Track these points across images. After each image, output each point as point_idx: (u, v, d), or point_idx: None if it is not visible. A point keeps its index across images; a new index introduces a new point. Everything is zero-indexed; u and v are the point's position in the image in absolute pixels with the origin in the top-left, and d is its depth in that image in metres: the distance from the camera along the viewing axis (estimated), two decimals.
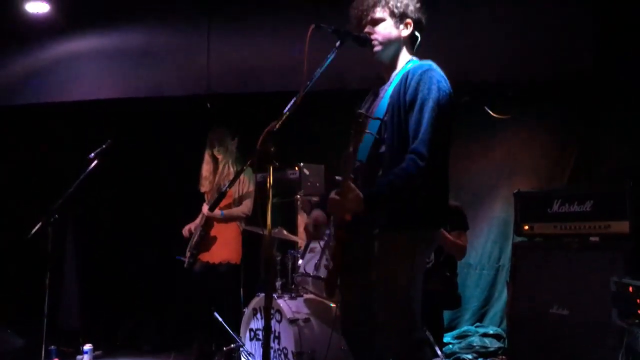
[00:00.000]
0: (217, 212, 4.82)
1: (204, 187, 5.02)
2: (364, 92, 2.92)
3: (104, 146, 4.20)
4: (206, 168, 5.00)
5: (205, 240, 4.85)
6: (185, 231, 5.03)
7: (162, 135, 5.79)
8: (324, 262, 3.72)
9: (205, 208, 4.81)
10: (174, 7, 5.17)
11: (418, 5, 2.58)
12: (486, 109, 5.19)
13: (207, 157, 5.00)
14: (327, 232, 3.88)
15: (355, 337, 2.64)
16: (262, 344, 3.90)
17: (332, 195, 2.35)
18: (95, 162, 4.17)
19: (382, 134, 2.46)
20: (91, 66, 5.38)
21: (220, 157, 4.95)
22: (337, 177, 2.33)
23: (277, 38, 5.10)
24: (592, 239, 3.56)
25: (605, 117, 4.68)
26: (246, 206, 4.92)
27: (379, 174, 2.42)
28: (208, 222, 4.88)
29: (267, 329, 2.15)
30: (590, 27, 4.50)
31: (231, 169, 4.93)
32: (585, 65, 4.57)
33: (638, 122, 4.28)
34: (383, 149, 2.45)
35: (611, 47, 4.43)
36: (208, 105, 5.40)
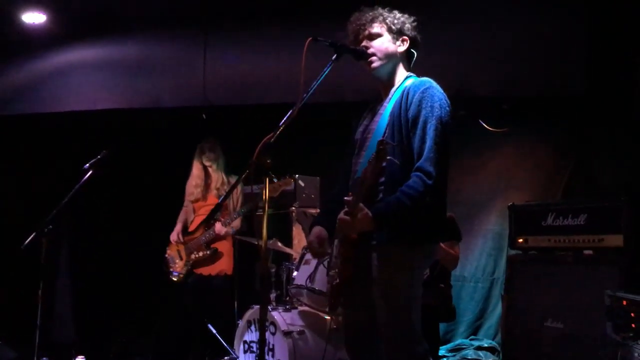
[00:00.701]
0: (230, 229, 4.81)
1: (194, 195, 5.01)
2: (360, 105, 2.93)
3: (99, 157, 4.18)
4: (197, 175, 5.00)
5: (213, 257, 4.83)
6: (173, 239, 4.99)
7: (157, 146, 5.79)
8: (318, 275, 3.72)
9: (220, 227, 4.74)
10: (171, 19, 5.18)
11: (414, 24, 2.62)
12: (481, 122, 5.22)
13: (196, 165, 5.01)
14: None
15: (359, 352, 2.63)
16: (255, 356, 3.88)
17: (342, 215, 2.36)
18: (90, 172, 4.16)
19: None
20: (87, 77, 5.38)
21: (211, 165, 4.96)
22: (345, 198, 2.34)
23: (273, 51, 5.12)
24: (586, 252, 3.58)
25: (599, 134, 4.71)
26: (239, 218, 4.93)
27: (378, 189, 2.43)
28: (215, 239, 4.84)
29: (262, 341, 2.14)
30: (583, 47, 4.55)
31: (224, 178, 4.95)
32: (578, 83, 4.62)
33: (630, 140, 4.32)
34: (384, 164, 2.46)
35: (604, 66, 4.48)
36: (204, 116, 5.41)
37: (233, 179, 5.00)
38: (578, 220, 3.63)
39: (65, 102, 5.39)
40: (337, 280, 2.48)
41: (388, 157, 2.29)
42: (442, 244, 3.89)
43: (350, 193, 2.35)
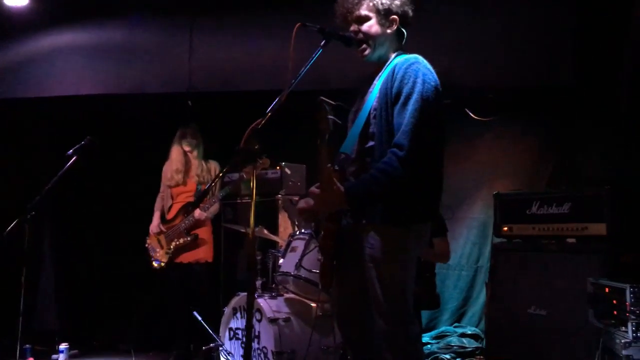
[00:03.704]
0: (209, 214, 4.79)
1: (174, 180, 4.97)
2: (346, 92, 2.92)
3: (82, 143, 4.13)
4: (178, 160, 4.95)
5: (193, 244, 4.81)
6: (153, 230, 4.97)
7: (142, 132, 5.73)
8: (305, 263, 3.72)
9: (200, 213, 4.73)
10: (157, 4, 5.12)
11: None
12: (467, 111, 5.23)
13: (177, 150, 4.97)
14: (307, 231, 3.91)
15: (351, 331, 2.65)
16: (241, 343, 3.88)
17: (313, 189, 2.36)
18: (74, 158, 4.11)
19: (371, 129, 2.47)
20: (71, 62, 5.30)
21: (192, 151, 4.94)
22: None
23: (260, 37, 5.09)
24: (569, 240, 3.61)
25: (585, 125, 4.75)
26: (217, 202, 4.91)
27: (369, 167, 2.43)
28: (196, 225, 4.83)
29: (248, 328, 2.14)
30: (572, 38, 4.58)
31: (204, 165, 4.93)
32: (565, 76, 4.65)
33: (615, 132, 4.36)
34: (372, 143, 2.46)
35: (592, 58, 4.51)
36: (189, 103, 5.36)
37: (212, 165, 4.98)
38: (562, 209, 3.66)
39: (48, 87, 5.31)
40: (321, 257, 2.48)
41: (330, 117, 2.26)
42: (440, 243, 3.94)
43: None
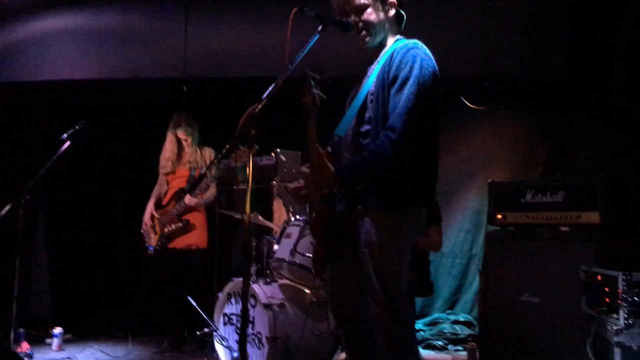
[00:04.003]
0: (200, 200, 4.79)
1: (166, 168, 4.98)
2: (340, 79, 2.92)
3: (77, 127, 4.11)
4: (169, 148, 4.96)
5: (184, 230, 4.82)
6: (147, 221, 4.97)
7: (136, 118, 5.71)
8: (300, 249, 3.73)
9: (190, 198, 4.74)
10: None
11: None
12: (462, 99, 5.24)
13: (170, 138, 4.97)
14: (303, 217, 3.91)
15: (344, 315, 2.66)
16: (235, 328, 3.90)
17: (303, 168, 2.36)
18: (68, 143, 4.09)
19: (367, 112, 2.47)
20: (66, 46, 5.25)
21: (186, 137, 4.93)
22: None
23: (256, 23, 5.06)
24: (563, 228, 3.63)
25: (579, 114, 4.76)
26: (213, 187, 4.92)
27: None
28: (187, 211, 4.84)
29: (244, 313, 2.15)
30: (565, 29, 4.58)
31: (198, 151, 4.92)
32: (559, 65, 4.66)
33: (610, 121, 4.37)
34: (368, 127, 2.46)
35: (584, 50, 4.52)
36: (184, 88, 5.34)
37: (207, 151, 4.98)
38: (556, 198, 3.67)
39: (43, 71, 5.26)
40: (313, 240, 2.50)
41: (315, 91, 2.25)
42: (433, 232, 3.95)
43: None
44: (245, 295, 2.16)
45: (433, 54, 2.52)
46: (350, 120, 2.51)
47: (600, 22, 4.37)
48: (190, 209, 4.82)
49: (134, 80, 5.25)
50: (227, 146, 2.17)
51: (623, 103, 4.18)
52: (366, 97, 2.50)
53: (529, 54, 4.75)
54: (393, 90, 2.39)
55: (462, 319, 5.22)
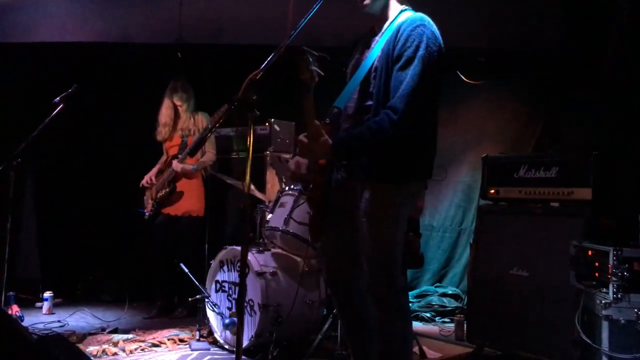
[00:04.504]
0: (188, 166, 4.78)
1: (162, 134, 4.96)
2: (338, 49, 2.88)
3: (69, 91, 4.05)
4: (166, 114, 4.93)
5: (172, 195, 4.83)
6: (145, 181, 4.97)
7: (127, 83, 5.64)
8: (293, 218, 3.74)
9: (176, 164, 4.74)
10: None
11: None
12: (458, 73, 5.22)
13: (167, 104, 4.94)
14: (297, 187, 3.92)
15: (339, 283, 2.69)
16: (227, 295, 3.92)
17: (301, 137, 2.34)
18: (60, 106, 4.04)
19: (370, 87, 2.46)
20: (56, 7, 5.15)
21: (182, 105, 4.90)
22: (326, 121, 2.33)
23: None
24: (553, 204, 3.66)
25: (572, 90, 4.77)
26: (211, 153, 4.91)
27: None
28: (176, 177, 4.84)
29: (242, 278, 2.16)
30: (559, 5, 4.55)
31: (192, 118, 4.90)
32: (553, 40, 4.65)
33: (603, 97, 4.39)
34: (370, 102, 2.45)
35: (579, 25, 4.50)
36: (179, 54, 5.27)
37: (200, 117, 4.94)
38: (549, 173, 3.70)
39: (34, 32, 5.17)
40: (310, 211, 2.51)
41: (312, 68, 2.25)
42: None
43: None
44: (243, 260, 2.17)
45: (431, 21, 2.49)
46: (352, 93, 2.50)
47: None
48: (179, 175, 4.82)
49: (127, 45, 5.16)
50: (227, 111, 2.14)
51: (615, 79, 4.20)
52: (369, 72, 2.47)
53: (524, 27, 4.73)
54: (396, 68, 2.36)
55: (450, 292, 5.29)
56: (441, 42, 2.44)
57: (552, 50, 4.71)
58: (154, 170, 5.03)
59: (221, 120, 2.21)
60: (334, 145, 2.30)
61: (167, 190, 4.83)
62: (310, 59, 2.24)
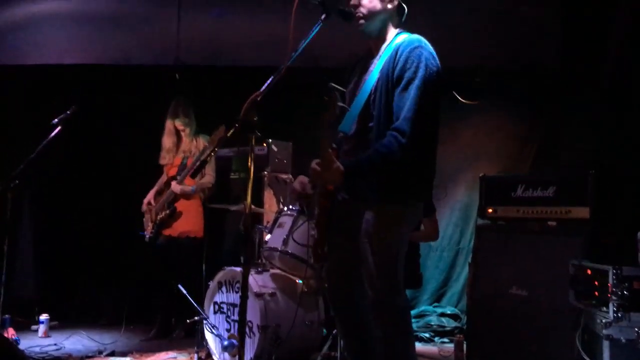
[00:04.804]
0: (187, 187, 4.77)
1: (165, 159, 4.96)
2: (336, 71, 2.92)
3: (67, 112, 4.07)
4: (169, 139, 4.93)
5: (172, 217, 4.82)
6: (144, 204, 4.96)
7: (126, 104, 5.66)
8: (292, 239, 3.74)
9: (175, 185, 4.74)
10: None
11: None
12: (454, 94, 5.26)
13: (169, 128, 4.94)
14: (295, 207, 3.92)
15: (341, 303, 2.69)
16: (225, 317, 3.90)
17: (313, 165, 2.39)
18: (59, 128, 4.05)
19: (371, 109, 2.48)
20: (56, 30, 5.19)
21: (184, 128, 4.90)
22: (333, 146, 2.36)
23: (249, 10, 5.03)
24: (550, 223, 3.67)
25: (569, 108, 4.81)
26: (211, 175, 4.91)
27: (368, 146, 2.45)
28: (176, 198, 4.83)
29: (243, 300, 2.15)
30: (558, 23, 4.61)
31: (194, 141, 4.90)
32: (551, 58, 4.69)
33: (599, 115, 4.43)
34: (371, 124, 2.47)
35: (577, 43, 4.55)
36: (177, 76, 5.30)
37: (202, 139, 4.95)
38: (547, 192, 3.71)
39: (33, 54, 5.21)
40: (315, 231, 2.53)
41: (339, 104, 2.28)
42: (429, 222, 4.00)
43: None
44: (245, 282, 2.17)
45: (427, 42, 2.53)
46: (355, 117, 2.52)
47: (593, 16, 4.41)
48: (178, 197, 4.81)
49: (125, 66, 5.19)
50: (229, 133, 2.15)
51: (615, 91, 4.23)
52: (370, 95, 2.50)
53: (521, 45, 4.78)
54: (398, 90, 2.41)
55: (448, 312, 5.27)
56: (438, 62, 2.48)
57: (549, 67, 4.75)
58: (152, 192, 5.02)
59: (221, 142, 2.22)
60: (345, 170, 2.33)
61: (167, 212, 4.81)
62: (338, 96, 2.28)
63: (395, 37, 2.56)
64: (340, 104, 2.29)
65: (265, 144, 4.96)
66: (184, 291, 4.02)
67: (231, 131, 2.11)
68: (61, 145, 4.22)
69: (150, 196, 4.99)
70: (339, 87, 2.31)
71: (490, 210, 3.99)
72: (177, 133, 4.94)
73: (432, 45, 2.56)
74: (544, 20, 4.62)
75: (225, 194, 4.87)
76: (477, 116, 5.53)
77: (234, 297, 3.85)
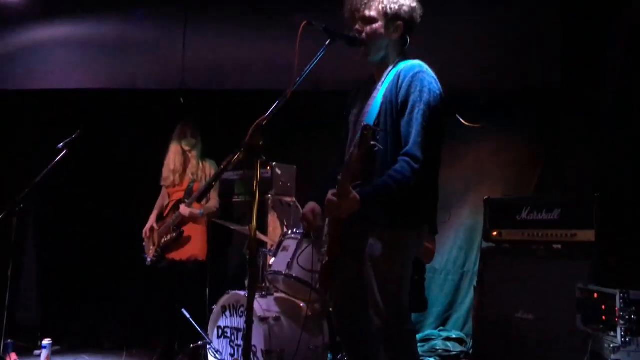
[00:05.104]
0: (195, 211, 4.76)
1: (168, 180, 4.94)
2: (338, 94, 2.95)
3: (73, 136, 4.10)
4: (176, 160, 4.92)
5: (178, 240, 4.80)
6: (146, 232, 4.93)
7: (132, 128, 5.69)
8: (296, 262, 3.72)
9: (184, 208, 4.72)
10: None
11: (414, 4, 2.60)
12: (457, 116, 5.27)
13: (176, 150, 4.93)
14: (299, 230, 3.91)
15: (347, 328, 2.68)
16: (230, 341, 3.87)
17: (330, 196, 2.40)
18: (64, 152, 4.08)
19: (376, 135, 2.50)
20: (62, 54, 5.25)
21: (191, 150, 4.91)
22: (339, 177, 2.36)
23: (254, 35, 5.08)
24: (555, 246, 3.66)
25: (572, 129, 4.82)
26: (215, 199, 4.91)
27: (372, 171, 2.46)
28: (183, 221, 4.81)
29: (249, 325, 2.14)
30: (559, 44, 4.64)
31: (200, 164, 4.91)
32: (553, 80, 4.71)
33: (602, 136, 4.43)
34: (376, 149, 2.48)
35: (578, 64, 4.58)
36: (181, 100, 5.34)
37: (207, 165, 4.97)
38: (552, 215, 3.71)
39: (39, 79, 5.25)
40: (326, 259, 2.52)
41: (372, 143, 2.30)
42: (428, 243, 3.97)
43: (341, 174, 2.36)
44: (250, 306, 2.16)
45: (428, 67, 2.56)
46: None
47: (592, 36, 4.44)
48: (185, 220, 4.79)
49: (131, 90, 5.24)
50: (235, 157, 2.16)
51: (616, 118, 4.24)
52: (375, 120, 2.51)
53: (523, 67, 4.80)
54: (406, 116, 2.44)
55: (454, 336, 5.21)
56: (440, 86, 2.52)
57: (550, 89, 4.77)
58: (153, 216, 4.99)
59: (229, 167, 2.23)
60: (361, 199, 2.35)
61: (174, 235, 4.79)
62: (375, 136, 2.31)
63: (397, 63, 2.59)
64: (374, 143, 2.32)
65: (269, 167, 4.97)
66: (188, 315, 4.00)
67: (237, 155, 2.12)
68: (66, 169, 4.25)
69: (152, 221, 4.97)
70: (375, 128, 2.34)
71: (495, 233, 3.98)
72: (184, 154, 4.96)
73: (435, 68, 2.60)
74: (544, 43, 4.65)
75: (229, 217, 4.86)
76: (480, 138, 5.53)
77: (238, 322, 3.83)
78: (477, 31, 4.81)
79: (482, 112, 5.31)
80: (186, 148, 4.90)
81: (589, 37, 4.46)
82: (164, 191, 5.06)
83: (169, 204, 4.99)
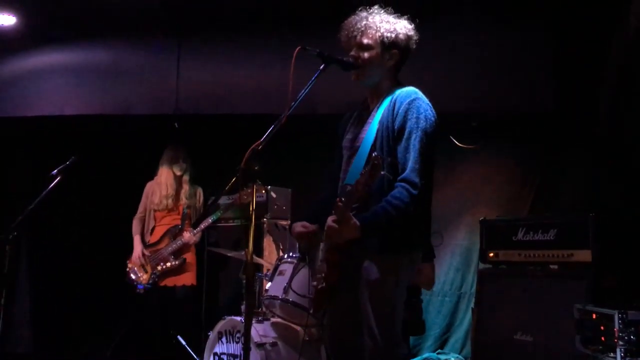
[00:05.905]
0: (197, 237, 4.76)
1: (161, 204, 4.91)
2: (333, 118, 2.96)
3: (67, 163, 4.09)
4: (168, 184, 4.91)
5: (179, 268, 4.76)
6: (138, 257, 4.87)
7: (127, 153, 5.69)
8: (293, 287, 3.69)
9: (190, 236, 4.69)
10: (145, 25, 5.12)
11: (410, 33, 2.62)
12: (452, 138, 5.31)
13: (167, 174, 4.92)
14: (296, 254, 3.89)
15: (341, 353, 2.64)
16: None
17: (330, 223, 2.39)
18: (58, 178, 4.05)
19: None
20: (56, 81, 5.26)
21: (183, 175, 4.91)
22: (337, 203, 2.35)
23: (248, 60, 5.11)
24: (552, 267, 3.65)
25: (566, 150, 4.85)
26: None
27: (368, 197, 2.45)
28: (185, 248, 4.78)
29: (246, 352, 2.11)
30: (551, 67, 4.70)
31: (192, 189, 4.92)
32: (546, 102, 4.75)
33: (595, 157, 4.46)
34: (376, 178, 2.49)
35: (570, 86, 4.63)
36: (176, 125, 5.35)
37: (198, 190, 4.98)
38: (548, 236, 3.71)
39: (33, 106, 5.25)
40: (323, 285, 2.50)
41: (382, 172, 2.32)
42: (427, 268, 3.97)
43: (338, 199, 2.35)
44: (247, 332, 2.13)
45: (423, 93, 2.59)
46: (361, 169, 2.54)
47: (585, 57, 4.49)
48: (186, 247, 4.78)
49: (125, 116, 5.24)
50: (231, 182, 2.17)
51: (609, 139, 4.27)
52: (372, 146, 2.54)
53: (515, 90, 4.85)
54: (403, 142, 2.46)
55: (452, 359, 5.17)
56: (434, 112, 2.55)
57: (544, 112, 4.81)
58: (139, 241, 4.93)
59: (224, 191, 2.23)
60: (361, 225, 2.35)
61: (176, 263, 4.74)
62: (383, 165, 2.35)
63: (392, 89, 2.61)
64: (384, 172, 2.35)
65: (264, 191, 4.97)
66: (183, 342, 3.96)
67: (232, 181, 2.12)
68: (61, 195, 4.23)
69: (140, 247, 4.91)
70: (383, 157, 2.36)
71: (491, 255, 3.98)
72: (175, 179, 4.95)
73: (429, 92, 2.62)
74: (536, 67, 4.71)
75: (224, 240, 4.84)
76: (474, 160, 5.56)
77: (235, 348, 3.78)
78: (471, 57, 4.86)
79: (477, 134, 5.35)
80: (178, 173, 4.90)
81: (581, 60, 4.51)
82: (145, 214, 4.99)
83: (155, 227, 4.94)
